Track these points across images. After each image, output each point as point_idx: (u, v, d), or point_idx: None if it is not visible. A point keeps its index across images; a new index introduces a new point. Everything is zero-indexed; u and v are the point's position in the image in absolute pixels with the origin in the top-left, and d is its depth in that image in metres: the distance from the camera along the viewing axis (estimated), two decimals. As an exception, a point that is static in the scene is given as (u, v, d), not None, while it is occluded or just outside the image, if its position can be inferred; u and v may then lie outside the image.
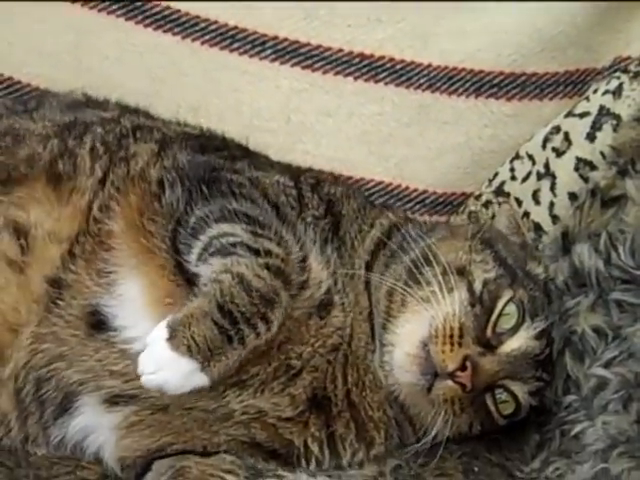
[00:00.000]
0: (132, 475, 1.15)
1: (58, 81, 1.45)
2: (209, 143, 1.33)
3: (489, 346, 1.17)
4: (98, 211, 1.20)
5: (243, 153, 1.35)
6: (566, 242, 1.30)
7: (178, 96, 1.46)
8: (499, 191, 1.47)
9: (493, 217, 1.46)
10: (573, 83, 1.50)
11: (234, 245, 1.10)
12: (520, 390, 1.19)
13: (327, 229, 1.25)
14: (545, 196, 1.41)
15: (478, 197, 1.50)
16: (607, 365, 1.18)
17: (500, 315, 1.18)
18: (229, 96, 1.48)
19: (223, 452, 1.15)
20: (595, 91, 1.43)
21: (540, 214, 1.41)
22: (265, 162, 1.35)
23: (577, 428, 1.16)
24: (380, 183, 1.50)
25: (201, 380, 1.03)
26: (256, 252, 1.10)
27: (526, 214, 1.43)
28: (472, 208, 1.50)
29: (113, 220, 1.19)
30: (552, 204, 1.40)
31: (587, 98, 1.44)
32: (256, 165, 1.30)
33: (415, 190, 1.51)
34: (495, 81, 1.49)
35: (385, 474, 1.16)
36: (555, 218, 1.40)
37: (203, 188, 1.18)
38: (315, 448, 1.19)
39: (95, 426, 1.17)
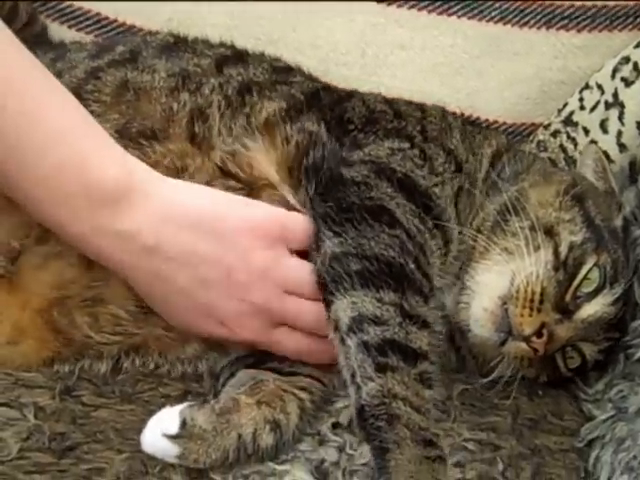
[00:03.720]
0: (213, 383, 1.13)
1: (144, 16, 1.40)
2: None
3: (566, 311, 1.09)
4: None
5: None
6: (633, 172, 1.22)
7: (257, 30, 1.40)
8: (568, 121, 1.40)
9: (561, 146, 1.39)
10: (643, 15, 1.42)
11: (384, 349, 0.97)
12: (589, 349, 1.12)
13: (457, 176, 1.16)
14: (613, 125, 1.33)
15: (547, 127, 1.42)
16: (672, 290, 1.11)
17: (582, 280, 1.10)
18: (306, 30, 1.41)
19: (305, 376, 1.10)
20: (665, 21, 1.35)
21: (608, 143, 1.33)
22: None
23: (641, 352, 1.10)
24: (452, 114, 1.42)
25: None
26: (411, 358, 0.97)
27: (593, 143, 1.35)
28: (541, 137, 1.42)
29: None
30: (620, 133, 1.33)
31: (657, 29, 1.36)
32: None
33: (486, 120, 1.44)
34: (566, 13, 1.41)
35: (452, 397, 1.11)
36: (622, 147, 1.32)
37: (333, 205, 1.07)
38: None
39: None
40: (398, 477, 0.91)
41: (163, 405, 1.06)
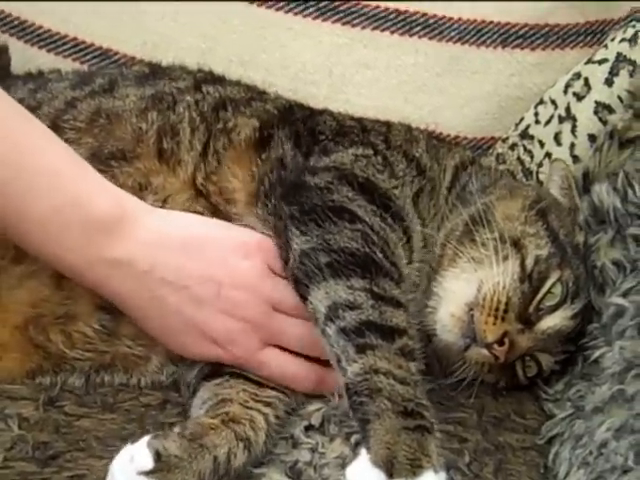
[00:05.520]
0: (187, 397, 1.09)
1: (120, 40, 1.40)
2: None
3: (528, 322, 1.09)
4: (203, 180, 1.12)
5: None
6: (586, 182, 1.22)
7: (229, 52, 1.39)
8: (524, 134, 1.40)
9: (518, 159, 1.39)
10: (593, 33, 1.42)
11: (361, 330, 0.95)
12: (546, 360, 1.12)
13: (417, 180, 1.16)
14: (566, 138, 1.33)
15: (505, 140, 1.42)
16: (625, 294, 1.10)
17: (545, 294, 1.09)
18: (276, 51, 1.41)
19: (270, 388, 1.07)
20: (613, 39, 1.34)
21: (561, 155, 1.32)
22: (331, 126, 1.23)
23: (597, 353, 1.09)
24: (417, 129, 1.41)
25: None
26: (389, 335, 0.96)
27: (548, 155, 1.35)
28: (499, 150, 1.42)
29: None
30: (573, 145, 1.32)
31: (605, 46, 1.35)
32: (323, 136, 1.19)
33: (448, 135, 1.43)
34: (520, 32, 1.41)
35: (420, 396, 1.11)
36: (575, 158, 1.31)
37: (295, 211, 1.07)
38: None
39: None
40: (375, 447, 0.89)
41: (143, 414, 1.06)
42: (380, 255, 1.03)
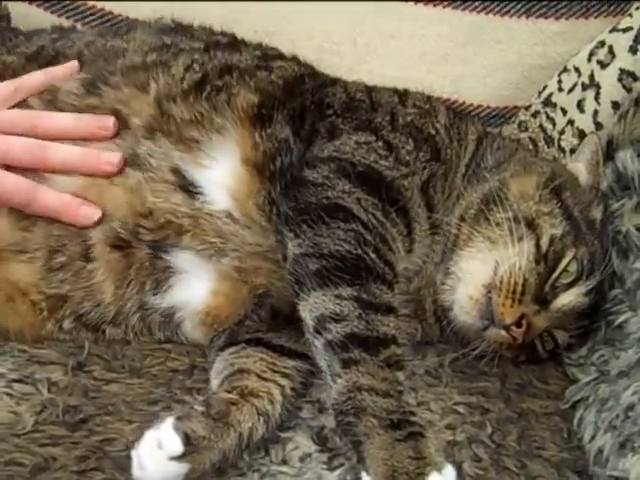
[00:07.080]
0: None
1: (145, 10, 1.37)
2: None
3: (544, 301, 1.05)
4: None
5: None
6: (610, 149, 1.18)
7: (255, 22, 1.36)
8: (547, 102, 1.36)
9: (540, 126, 1.35)
10: (617, 2, 1.37)
11: (346, 344, 0.92)
12: (561, 335, 1.09)
13: (430, 164, 1.10)
14: (589, 105, 1.28)
15: (528, 108, 1.39)
16: (649, 260, 1.07)
17: (561, 273, 1.05)
18: (301, 22, 1.39)
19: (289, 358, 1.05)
20: (637, 8, 1.29)
21: (584, 121, 1.29)
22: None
23: (621, 318, 1.06)
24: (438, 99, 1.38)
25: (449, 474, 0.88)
26: (374, 348, 0.92)
27: (570, 122, 1.31)
28: (522, 118, 1.39)
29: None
30: (596, 112, 1.28)
31: (630, 14, 1.30)
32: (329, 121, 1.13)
33: (471, 105, 1.40)
34: (544, 2, 1.37)
35: (444, 365, 1.09)
36: (598, 125, 1.27)
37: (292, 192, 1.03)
38: None
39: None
40: (373, 465, 0.87)
41: (171, 379, 1.04)
42: (373, 256, 0.99)
